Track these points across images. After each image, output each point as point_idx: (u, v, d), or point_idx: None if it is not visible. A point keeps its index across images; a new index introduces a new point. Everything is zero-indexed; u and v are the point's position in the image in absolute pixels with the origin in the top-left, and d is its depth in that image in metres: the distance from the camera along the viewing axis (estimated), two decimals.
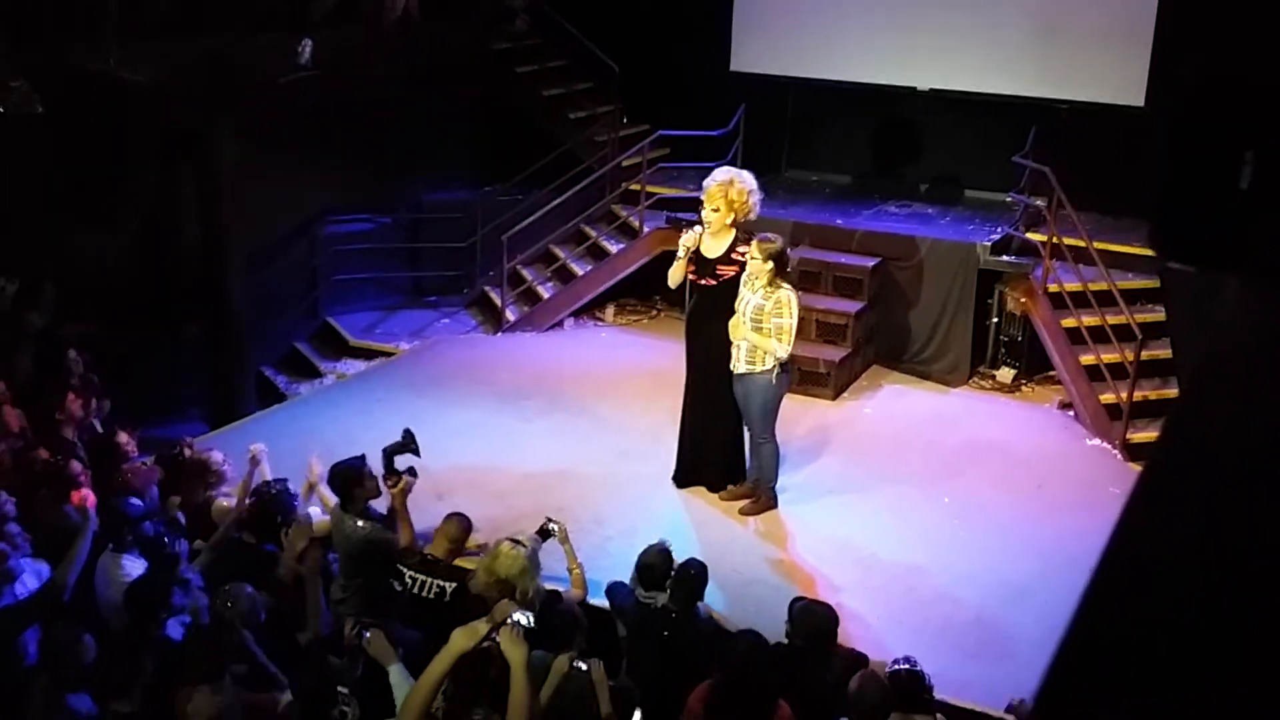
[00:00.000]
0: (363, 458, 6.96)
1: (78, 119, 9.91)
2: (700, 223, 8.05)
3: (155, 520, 6.62)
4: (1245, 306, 1.24)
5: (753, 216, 8.12)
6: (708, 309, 8.13)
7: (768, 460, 8.21)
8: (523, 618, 4.86)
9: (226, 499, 7.22)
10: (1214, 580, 1.09)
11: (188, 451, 7.28)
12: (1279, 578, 1.08)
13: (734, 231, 8.02)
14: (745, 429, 8.25)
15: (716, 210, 7.94)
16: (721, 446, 8.44)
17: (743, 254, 7.96)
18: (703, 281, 8.09)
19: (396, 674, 5.30)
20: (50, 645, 5.65)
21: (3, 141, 9.61)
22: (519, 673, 4.66)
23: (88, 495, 6.36)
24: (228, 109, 10.75)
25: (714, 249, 8.03)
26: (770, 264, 7.72)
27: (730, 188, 7.91)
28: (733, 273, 8.00)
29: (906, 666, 5.49)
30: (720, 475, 8.49)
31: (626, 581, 6.46)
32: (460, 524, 6.69)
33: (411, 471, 7.11)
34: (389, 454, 7.14)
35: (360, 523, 6.73)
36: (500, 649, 4.74)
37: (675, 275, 8.17)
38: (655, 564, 6.28)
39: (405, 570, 6.37)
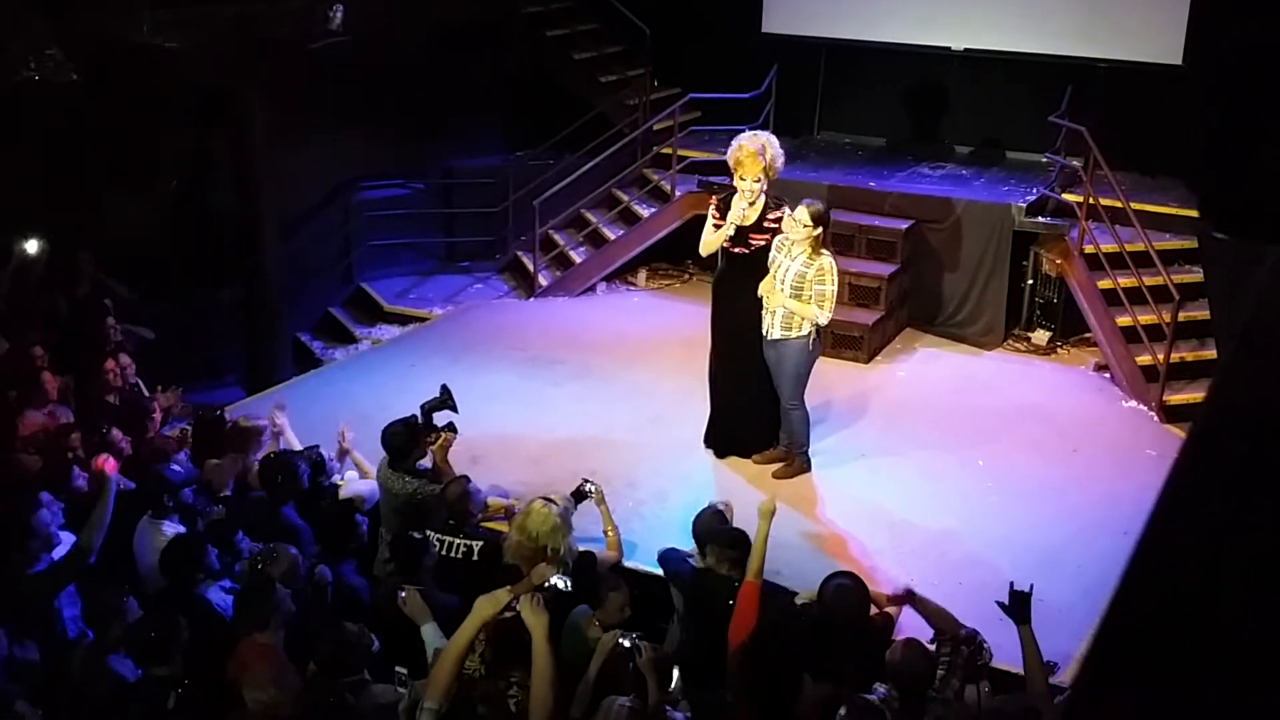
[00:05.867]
0: (414, 418, 7.04)
1: (111, 86, 9.97)
2: (734, 191, 7.95)
3: (192, 486, 6.70)
4: None
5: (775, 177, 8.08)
6: (738, 275, 8.08)
7: (798, 425, 8.19)
8: (560, 581, 4.88)
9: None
10: (1263, 549, 1.08)
11: (228, 418, 7.35)
12: None
13: (764, 198, 7.98)
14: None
15: (758, 181, 7.82)
16: (761, 410, 8.37)
17: (775, 220, 7.90)
18: (736, 250, 8.02)
19: (430, 633, 5.34)
20: (93, 607, 5.75)
21: (38, 109, 9.68)
22: (540, 642, 4.68)
23: (109, 461, 6.43)
24: (260, 75, 10.77)
25: (747, 217, 7.96)
26: (819, 230, 7.67)
27: (764, 155, 7.79)
28: (765, 240, 7.94)
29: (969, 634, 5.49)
30: (760, 438, 8.46)
31: (673, 547, 6.44)
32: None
33: (451, 427, 7.18)
34: (427, 411, 7.22)
35: (408, 478, 6.83)
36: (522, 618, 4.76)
37: (712, 245, 8.08)
38: (711, 528, 6.26)
39: (431, 533, 6.41)
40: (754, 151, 7.78)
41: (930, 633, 5.70)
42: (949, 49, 12.14)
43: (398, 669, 5.25)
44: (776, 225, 7.89)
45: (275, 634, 5.34)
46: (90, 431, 7.40)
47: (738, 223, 7.87)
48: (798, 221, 7.67)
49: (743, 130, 8.32)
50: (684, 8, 13.11)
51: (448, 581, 6.13)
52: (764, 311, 7.93)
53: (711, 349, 8.44)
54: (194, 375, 10.41)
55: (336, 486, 7.26)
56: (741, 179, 7.84)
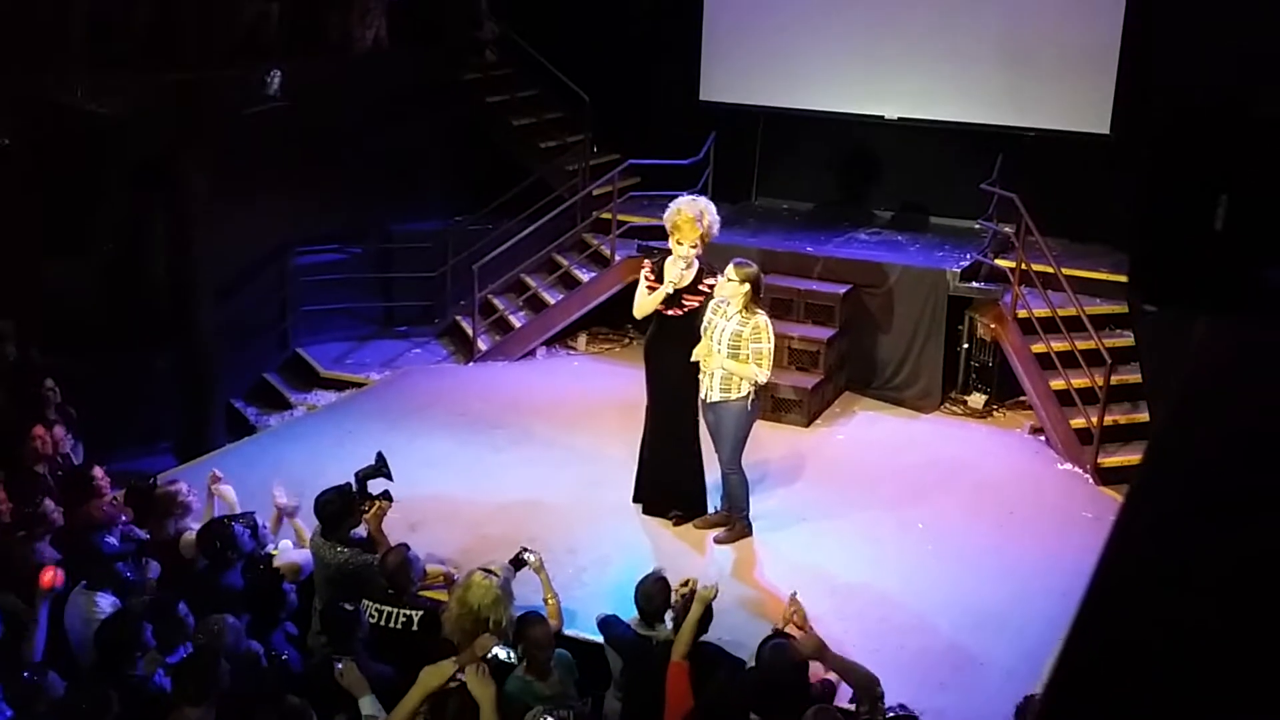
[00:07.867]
0: (349, 486, 6.95)
1: (46, 151, 9.87)
2: (669, 254, 8.02)
3: (128, 560, 6.55)
4: (1218, 343, 1.26)
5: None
6: (669, 337, 8.13)
7: (737, 489, 8.20)
8: (502, 652, 4.84)
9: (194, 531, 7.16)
10: (1202, 610, 1.10)
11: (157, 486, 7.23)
12: (1265, 598, 1.09)
13: (699, 262, 8.04)
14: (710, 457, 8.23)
15: (695, 246, 7.92)
16: (690, 477, 8.43)
17: (710, 286, 7.97)
18: (670, 312, 8.08)
19: (369, 705, 5.26)
20: (15, 684, 5.58)
21: None
22: (489, 713, 4.63)
23: (58, 575, 6.24)
24: (196, 140, 10.72)
25: (684, 278, 8.02)
26: (747, 287, 7.74)
27: (702, 221, 7.89)
28: (698, 303, 8.01)
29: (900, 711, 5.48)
30: (692, 505, 8.47)
31: (613, 613, 6.39)
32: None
33: (386, 495, 7.08)
34: (361, 478, 7.11)
35: (340, 548, 6.72)
36: (468, 688, 4.71)
37: (647, 307, 8.11)
38: (653, 595, 6.24)
39: (369, 603, 6.31)
40: (692, 217, 7.86)
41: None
42: (882, 118, 12.36)
43: None
44: (710, 290, 7.96)
45: (208, 710, 5.23)
46: (20, 502, 7.22)
47: (676, 284, 7.93)
48: (729, 280, 7.75)
49: (681, 195, 8.40)
50: (623, 76, 13.25)
51: (387, 652, 6.03)
52: (702, 374, 7.97)
53: (647, 409, 8.46)
54: (127, 442, 10.24)
55: (270, 555, 7.14)
56: (679, 243, 7.92)
